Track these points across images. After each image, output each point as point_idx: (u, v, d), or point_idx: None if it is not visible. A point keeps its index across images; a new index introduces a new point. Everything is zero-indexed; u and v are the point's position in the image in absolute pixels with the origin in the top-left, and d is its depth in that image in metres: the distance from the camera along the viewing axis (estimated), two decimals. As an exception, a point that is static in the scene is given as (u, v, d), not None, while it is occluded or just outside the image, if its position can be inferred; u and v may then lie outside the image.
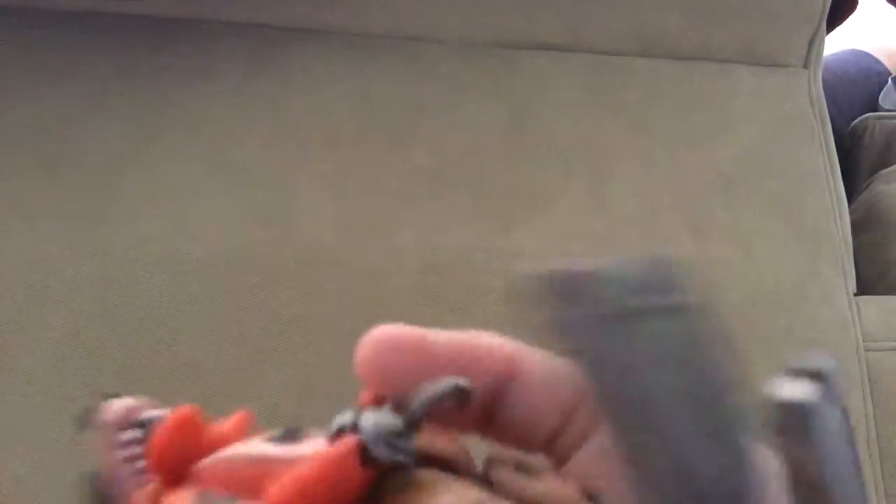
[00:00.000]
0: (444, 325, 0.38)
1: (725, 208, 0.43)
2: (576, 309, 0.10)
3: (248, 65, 0.42)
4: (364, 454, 0.09)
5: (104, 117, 0.40)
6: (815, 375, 0.10)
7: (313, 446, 0.10)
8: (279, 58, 0.43)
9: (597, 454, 0.11)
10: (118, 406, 0.15)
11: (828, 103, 0.49)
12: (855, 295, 0.44)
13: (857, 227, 0.49)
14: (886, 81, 0.70)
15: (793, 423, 0.10)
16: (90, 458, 0.36)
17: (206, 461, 0.11)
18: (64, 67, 0.41)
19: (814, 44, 0.48)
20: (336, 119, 0.42)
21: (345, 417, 0.10)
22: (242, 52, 0.42)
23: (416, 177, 0.41)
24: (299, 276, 0.39)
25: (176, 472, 0.11)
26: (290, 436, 0.10)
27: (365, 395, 0.11)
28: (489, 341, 0.12)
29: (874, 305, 0.44)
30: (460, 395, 0.10)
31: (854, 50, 0.77)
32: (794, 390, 0.10)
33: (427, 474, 0.10)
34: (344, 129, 0.42)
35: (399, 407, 0.10)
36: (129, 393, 0.39)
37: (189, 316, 0.38)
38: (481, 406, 0.11)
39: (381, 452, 0.09)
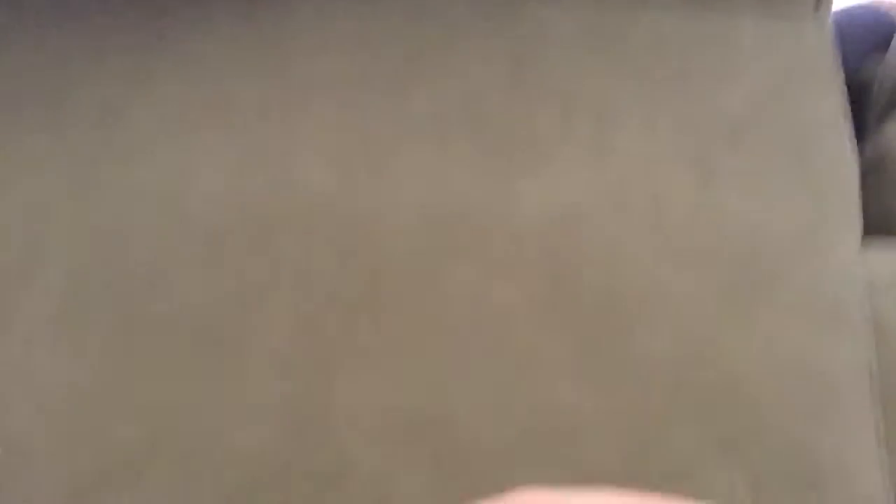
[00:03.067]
0: (445, 271, 0.38)
1: (732, 153, 0.43)
2: None
3: (247, 7, 0.41)
4: None
5: (101, 61, 0.40)
6: None
7: None
8: (277, 3, 0.42)
9: None
10: None
11: (838, 51, 0.48)
12: (862, 238, 0.43)
13: (865, 172, 0.48)
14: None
15: None
16: (93, 409, 0.37)
17: None
18: (60, 11, 0.40)
19: (825, -14, 0.47)
20: (335, 62, 0.41)
21: None
22: (239, -4, 0.42)
23: (416, 123, 0.41)
24: (298, 222, 0.39)
25: None
26: None
27: None
28: None
29: (882, 251, 0.43)
30: None
31: (865, 3, 0.76)
32: None
33: None
34: (342, 75, 0.41)
35: None
36: (131, 339, 0.39)
37: (188, 260, 0.38)
38: None
39: None
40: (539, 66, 0.43)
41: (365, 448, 0.37)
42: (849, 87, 0.62)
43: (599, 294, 0.40)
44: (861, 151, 0.54)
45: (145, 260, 0.37)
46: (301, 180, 0.39)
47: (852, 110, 0.50)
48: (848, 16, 0.73)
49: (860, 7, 0.75)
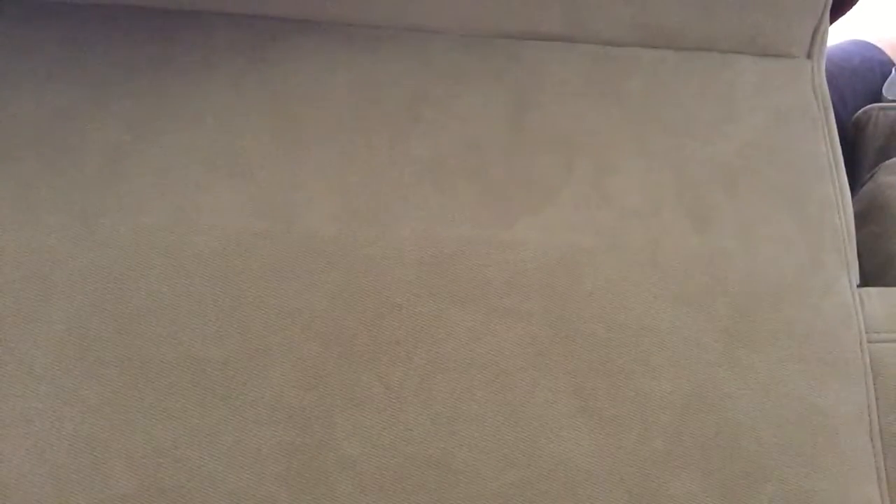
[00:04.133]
0: (445, 315, 0.38)
1: (728, 199, 0.43)
2: None
3: (249, 56, 0.42)
4: None
5: (104, 109, 0.40)
6: None
7: None
8: (280, 49, 0.42)
9: None
10: None
11: (831, 94, 0.49)
12: (858, 286, 0.44)
13: (860, 219, 0.48)
14: (890, 72, 0.70)
15: None
16: (92, 453, 0.37)
17: None
18: (64, 60, 0.41)
19: (817, 34, 0.48)
20: (336, 110, 0.42)
21: None
22: (243, 44, 0.42)
23: (417, 168, 0.41)
24: (300, 268, 0.39)
25: None
26: None
27: None
28: None
29: (877, 297, 0.44)
30: None
31: (857, 40, 0.77)
32: None
33: None
34: (344, 120, 0.42)
35: None
36: (131, 385, 0.39)
37: (190, 308, 0.38)
38: None
39: None
40: (539, 112, 0.44)
41: (362, 493, 0.37)
42: (843, 127, 0.63)
43: (598, 336, 0.40)
44: (856, 192, 0.54)
45: (146, 306, 0.38)
46: (303, 226, 0.40)
47: (847, 150, 0.51)
48: (841, 52, 0.74)
49: (853, 43, 0.76)
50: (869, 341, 0.42)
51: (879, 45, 0.75)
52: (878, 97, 0.68)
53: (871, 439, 0.41)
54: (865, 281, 0.46)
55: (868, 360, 0.42)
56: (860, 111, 0.63)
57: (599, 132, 0.44)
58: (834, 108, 0.48)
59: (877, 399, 0.41)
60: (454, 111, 0.43)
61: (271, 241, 0.39)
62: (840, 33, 0.77)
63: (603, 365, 0.40)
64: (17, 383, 0.36)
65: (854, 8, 0.55)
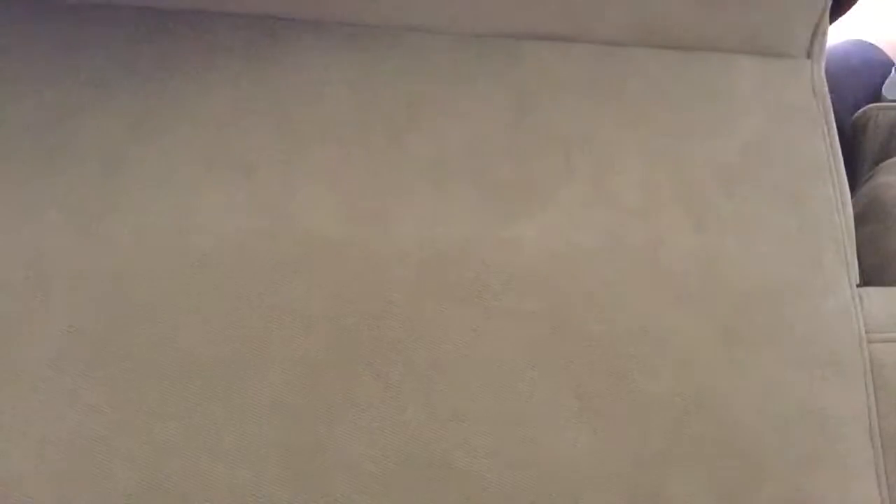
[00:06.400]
0: (445, 315, 0.38)
1: (727, 199, 0.43)
2: None
3: (248, 56, 0.42)
4: None
5: (104, 109, 0.40)
6: None
7: None
8: (279, 49, 0.43)
9: None
10: None
11: (831, 94, 0.49)
12: (857, 286, 0.44)
13: (859, 218, 0.48)
14: (890, 72, 0.70)
15: None
16: (92, 453, 0.37)
17: None
18: (64, 60, 0.41)
19: (817, 34, 0.48)
20: (336, 110, 0.42)
21: None
22: (242, 44, 0.42)
23: (417, 168, 0.41)
24: (299, 267, 0.39)
25: None
26: None
27: None
28: None
29: (877, 296, 0.44)
30: None
31: (857, 40, 0.77)
32: None
33: None
34: (344, 120, 0.42)
35: None
36: (131, 385, 0.39)
37: (190, 308, 0.38)
38: None
39: None
40: (540, 111, 0.44)
41: (361, 493, 0.37)
42: (843, 127, 0.63)
43: (598, 337, 0.40)
44: (856, 192, 0.54)
45: (146, 306, 0.38)
46: (302, 226, 0.40)
47: (847, 150, 0.51)
48: (841, 52, 0.74)
49: (853, 43, 0.77)
50: (869, 341, 0.42)
51: (879, 45, 0.75)
52: (878, 97, 0.68)
53: (871, 439, 0.41)
54: (865, 280, 0.46)
55: (868, 360, 0.42)
56: (860, 111, 0.63)
57: (599, 132, 0.44)
58: (834, 108, 0.48)
59: (876, 399, 0.41)
60: (454, 111, 0.43)
61: (271, 241, 0.39)
62: (840, 33, 0.77)
63: (603, 365, 0.40)
64: (17, 383, 0.36)
65: (854, 8, 0.55)
